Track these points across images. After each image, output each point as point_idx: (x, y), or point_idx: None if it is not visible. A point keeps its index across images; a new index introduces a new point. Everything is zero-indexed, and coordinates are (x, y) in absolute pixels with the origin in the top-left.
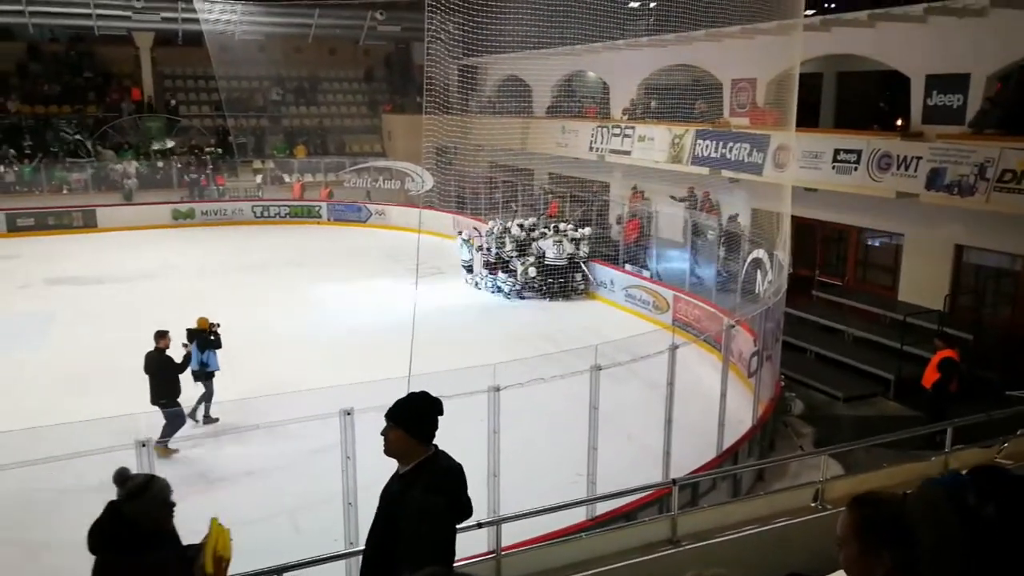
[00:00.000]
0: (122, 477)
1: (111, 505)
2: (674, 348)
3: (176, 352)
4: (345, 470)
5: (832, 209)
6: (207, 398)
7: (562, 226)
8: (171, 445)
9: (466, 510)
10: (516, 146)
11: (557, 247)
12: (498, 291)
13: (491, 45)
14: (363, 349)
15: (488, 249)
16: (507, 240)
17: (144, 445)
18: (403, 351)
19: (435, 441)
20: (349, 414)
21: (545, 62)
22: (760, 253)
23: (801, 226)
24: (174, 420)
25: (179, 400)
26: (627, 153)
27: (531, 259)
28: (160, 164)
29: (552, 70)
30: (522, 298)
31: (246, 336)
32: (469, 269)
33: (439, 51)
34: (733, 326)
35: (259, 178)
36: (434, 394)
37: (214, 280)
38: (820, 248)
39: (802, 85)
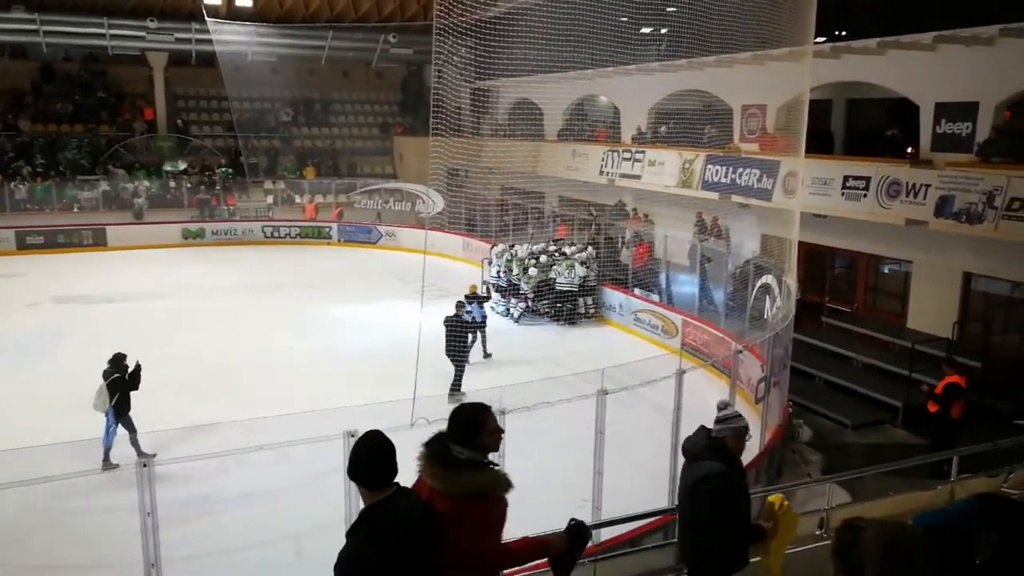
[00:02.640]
0: (721, 406)
1: (704, 429)
2: (681, 373)
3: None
4: (348, 493)
5: (842, 236)
6: (484, 341)
7: (567, 250)
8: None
9: (423, 564)
10: (527, 169)
11: (569, 272)
12: (507, 314)
13: (503, 69)
14: (371, 370)
15: (498, 273)
16: (514, 265)
17: (145, 465)
18: (411, 373)
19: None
20: (353, 436)
21: (557, 86)
22: (769, 279)
23: (811, 252)
24: (461, 369)
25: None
26: (637, 177)
27: (533, 272)
28: (172, 184)
29: (564, 94)
30: (516, 320)
31: (255, 356)
32: (502, 290)
33: (451, 74)
34: (741, 351)
35: (270, 198)
36: (443, 416)
37: (224, 300)
38: (830, 275)
39: (812, 112)
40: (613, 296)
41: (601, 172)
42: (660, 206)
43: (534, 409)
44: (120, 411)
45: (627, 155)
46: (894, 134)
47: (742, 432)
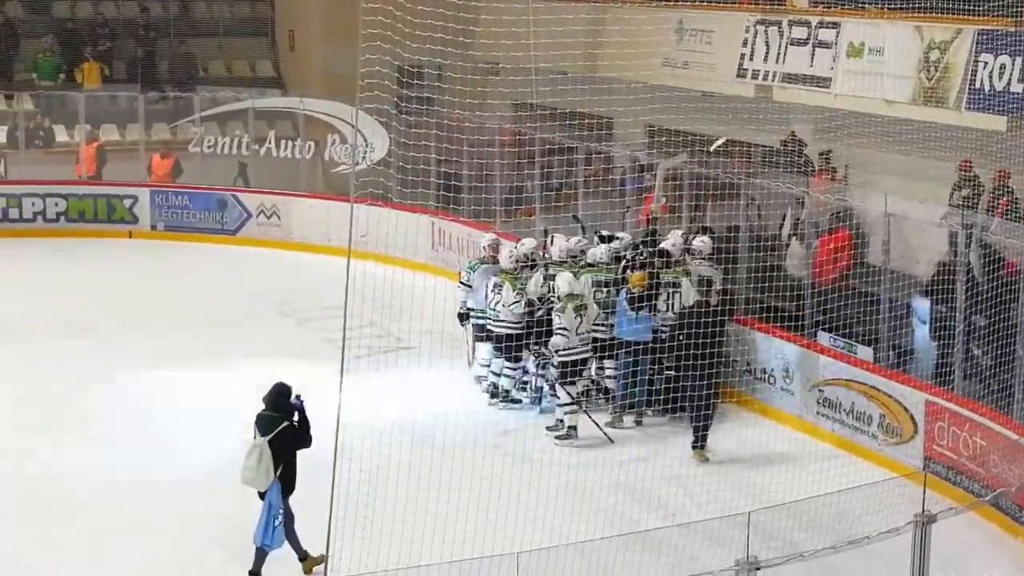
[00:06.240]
0: None
1: None
2: (927, 521)
3: None
4: None
5: None
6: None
7: (669, 242)
8: None
9: None
10: (574, 67)
11: (670, 294)
12: (519, 394)
13: None
14: (213, 540)
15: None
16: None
17: None
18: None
19: None
20: None
21: None
22: None
23: None
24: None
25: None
26: (823, 83)
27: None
28: None
29: None
30: (538, 404)
31: None
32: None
33: None
34: None
35: (2, 132)
36: None
37: None
38: None
39: None
40: (767, 349)
41: (741, 71)
42: (875, 147)
43: None
44: (288, 485)
45: (800, 32)
46: None
47: None
